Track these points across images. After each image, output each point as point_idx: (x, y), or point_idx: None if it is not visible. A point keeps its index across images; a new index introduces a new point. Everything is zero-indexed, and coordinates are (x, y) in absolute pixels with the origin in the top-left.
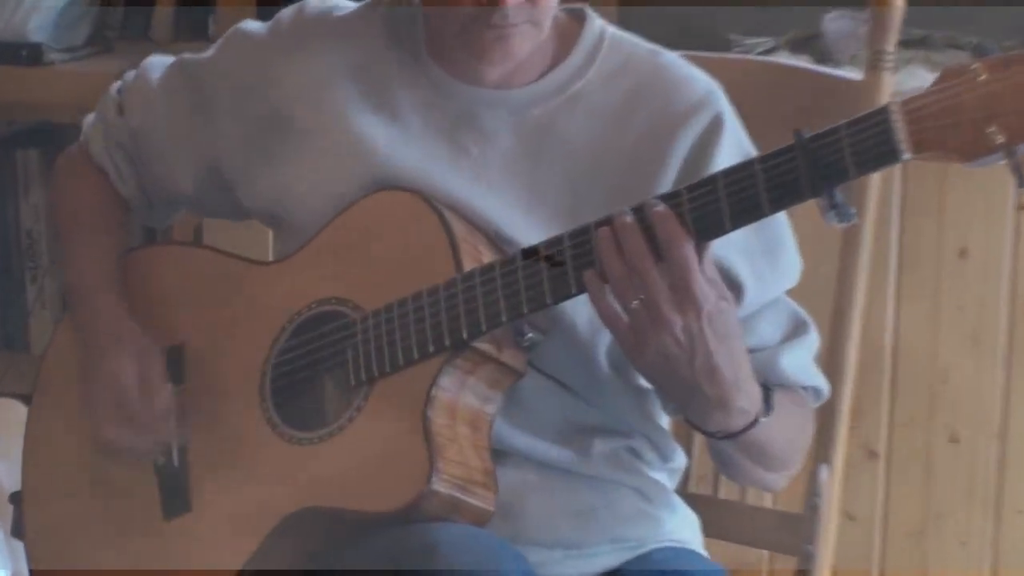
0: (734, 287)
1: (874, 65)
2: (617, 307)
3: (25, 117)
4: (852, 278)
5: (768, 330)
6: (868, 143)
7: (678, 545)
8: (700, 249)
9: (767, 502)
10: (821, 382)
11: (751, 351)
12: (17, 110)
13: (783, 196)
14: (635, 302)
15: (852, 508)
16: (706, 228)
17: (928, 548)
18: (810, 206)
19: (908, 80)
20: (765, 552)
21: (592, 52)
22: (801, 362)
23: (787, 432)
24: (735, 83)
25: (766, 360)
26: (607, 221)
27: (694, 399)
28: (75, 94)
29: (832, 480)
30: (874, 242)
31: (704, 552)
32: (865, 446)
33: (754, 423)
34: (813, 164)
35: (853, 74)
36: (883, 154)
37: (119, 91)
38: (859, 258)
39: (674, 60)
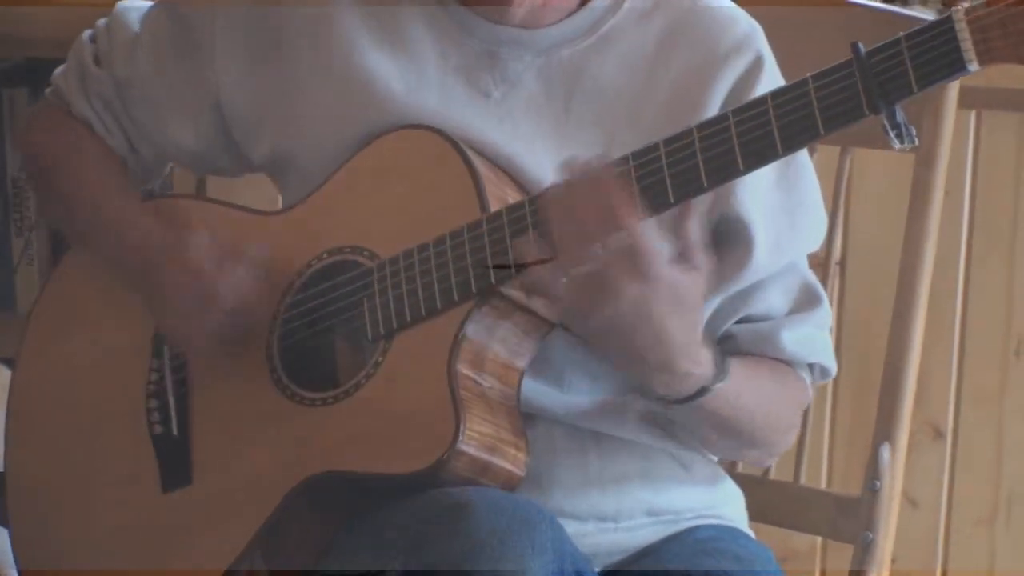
0: (745, 247)
1: (949, 4)
2: (557, 273)
3: (12, 53)
4: (920, 240)
5: (776, 299)
6: (932, 54)
7: (723, 523)
8: (688, 206)
9: (822, 484)
10: (827, 359)
11: (755, 320)
12: (3, 44)
13: (840, 115)
14: (585, 268)
15: (914, 492)
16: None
17: (997, 538)
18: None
19: None
20: (818, 539)
21: None
22: (806, 338)
23: (759, 405)
24: (790, 22)
25: (768, 332)
26: (556, 186)
27: (634, 362)
28: (68, 27)
29: (895, 461)
30: (944, 201)
31: (751, 533)
32: (930, 424)
33: (705, 390)
34: (873, 79)
35: (925, 14)
36: (948, 65)
37: (91, 39)
38: (928, 219)
39: None
